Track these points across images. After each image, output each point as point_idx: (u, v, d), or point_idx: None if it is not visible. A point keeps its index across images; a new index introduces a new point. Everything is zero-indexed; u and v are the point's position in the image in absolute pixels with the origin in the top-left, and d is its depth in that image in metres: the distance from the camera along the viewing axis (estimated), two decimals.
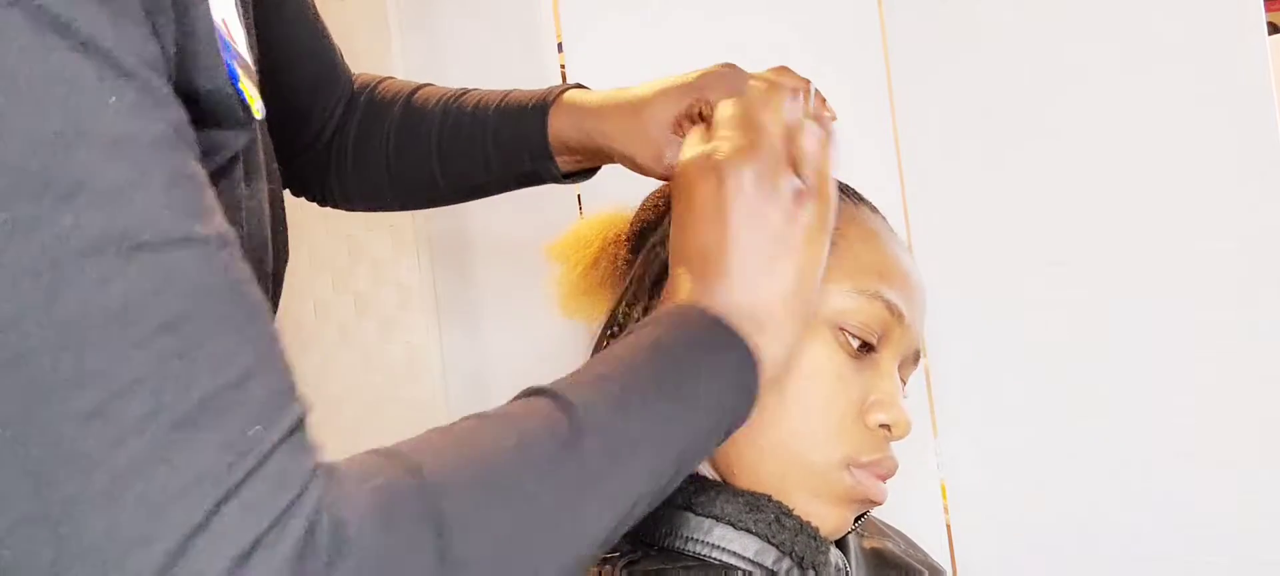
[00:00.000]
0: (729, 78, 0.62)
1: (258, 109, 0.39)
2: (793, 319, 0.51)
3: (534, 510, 0.38)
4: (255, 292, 0.33)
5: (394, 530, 0.33)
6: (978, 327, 1.13)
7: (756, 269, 0.50)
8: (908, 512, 0.87)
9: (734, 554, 0.56)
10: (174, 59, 0.34)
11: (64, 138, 0.28)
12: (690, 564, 0.56)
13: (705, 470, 0.60)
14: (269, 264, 0.50)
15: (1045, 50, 1.04)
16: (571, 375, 0.44)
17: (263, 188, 0.49)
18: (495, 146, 0.69)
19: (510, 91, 0.70)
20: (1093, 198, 1.02)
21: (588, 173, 0.71)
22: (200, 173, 0.33)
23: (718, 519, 0.57)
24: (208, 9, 0.36)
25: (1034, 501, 1.09)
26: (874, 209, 0.64)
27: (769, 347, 0.50)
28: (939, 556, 0.93)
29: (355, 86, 0.76)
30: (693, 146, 0.54)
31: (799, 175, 0.52)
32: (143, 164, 0.30)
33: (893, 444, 0.60)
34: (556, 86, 0.69)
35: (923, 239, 1.17)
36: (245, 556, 0.29)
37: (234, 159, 0.42)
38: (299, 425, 0.33)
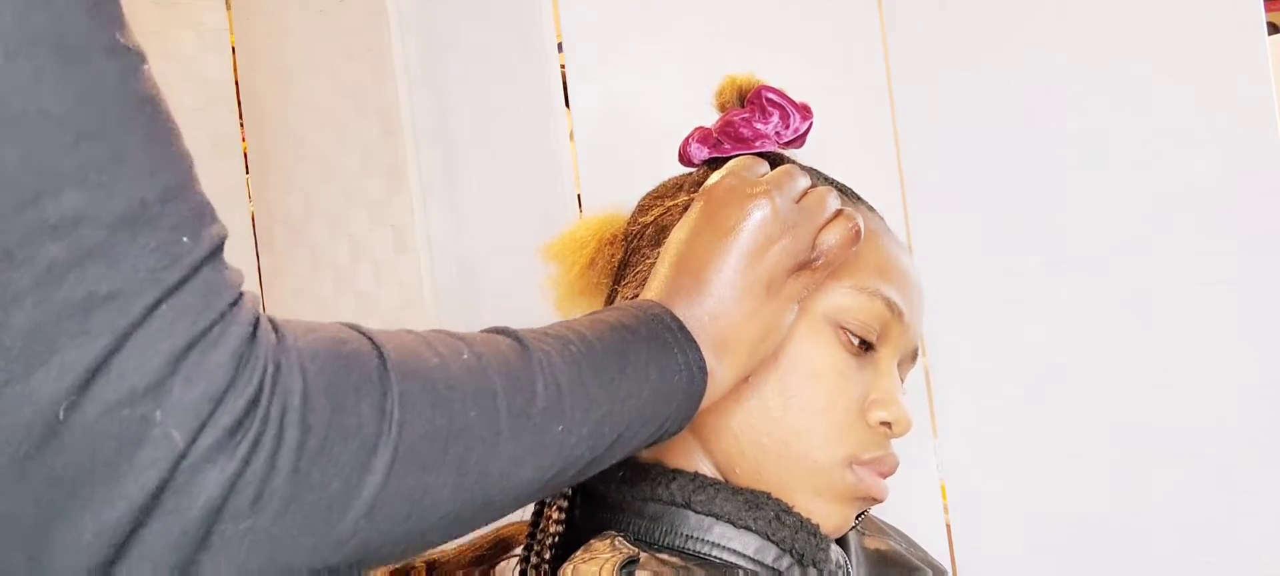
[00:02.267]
0: None
1: None
2: (747, 360, 0.53)
3: (474, 425, 0.39)
4: (170, 113, 0.33)
5: (342, 376, 0.34)
6: (978, 327, 1.13)
7: (740, 303, 0.52)
8: (908, 512, 0.87)
9: (734, 552, 0.56)
10: None
11: None
12: (690, 562, 0.56)
13: (705, 468, 0.60)
14: None
15: (1045, 51, 1.04)
16: (537, 329, 0.46)
17: None
18: None
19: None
20: (1092, 198, 1.02)
21: None
22: None
23: (717, 517, 0.57)
24: None
25: (1034, 501, 1.09)
26: (871, 208, 0.64)
27: (719, 373, 0.51)
28: (939, 556, 0.93)
29: None
30: (740, 170, 0.56)
31: (814, 251, 0.54)
32: None
33: (892, 442, 0.60)
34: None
35: (923, 239, 1.17)
36: (181, 354, 0.30)
37: None
38: (221, 246, 0.33)
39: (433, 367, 0.38)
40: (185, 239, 0.31)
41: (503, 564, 0.65)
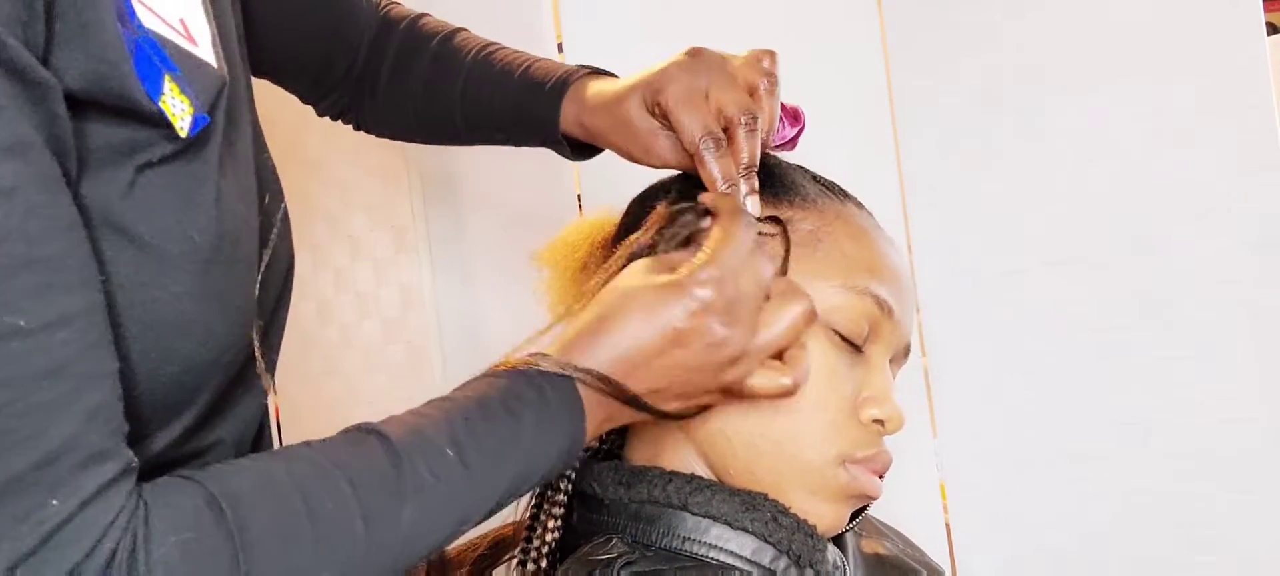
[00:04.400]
0: (682, 76, 0.61)
1: (181, 127, 0.41)
2: (625, 421, 0.54)
3: (342, 566, 0.42)
4: (93, 357, 0.37)
5: None
6: (978, 327, 1.13)
7: (656, 380, 0.52)
8: (907, 513, 0.87)
9: (731, 553, 0.56)
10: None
11: None
12: (687, 564, 0.56)
13: (700, 470, 0.60)
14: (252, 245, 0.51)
15: (1044, 50, 1.04)
16: (413, 428, 0.47)
17: (244, 182, 0.50)
18: (513, 117, 0.72)
19: (535, 61, 0.72)
20: (1092, 198, 1.02)
21: (598, 150, 0.72)
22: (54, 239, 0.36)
23: (714, 518, 0.57)
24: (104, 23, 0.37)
25: (1033, 501, 1.09)
26: (860, 205, 0.64)
27: (594, 416, 0.51)
28: (938, 556, 0.93)
29: (388, 17, 0.78)
30: (659, 268, 0.54)
31: (762, 334, 0.53)
32: None
33: (887, 439, 0.60)
34: (573, 71, 0.70)
35: (923, 239, 1.17)
36: None
37: (189, 150, 0.42)
38: (102, 488, 0.36)
39: (291, 532, 0.41)
40: (54, 502, 0.35)
41: (501, 567, 0.65)
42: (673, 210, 0.59)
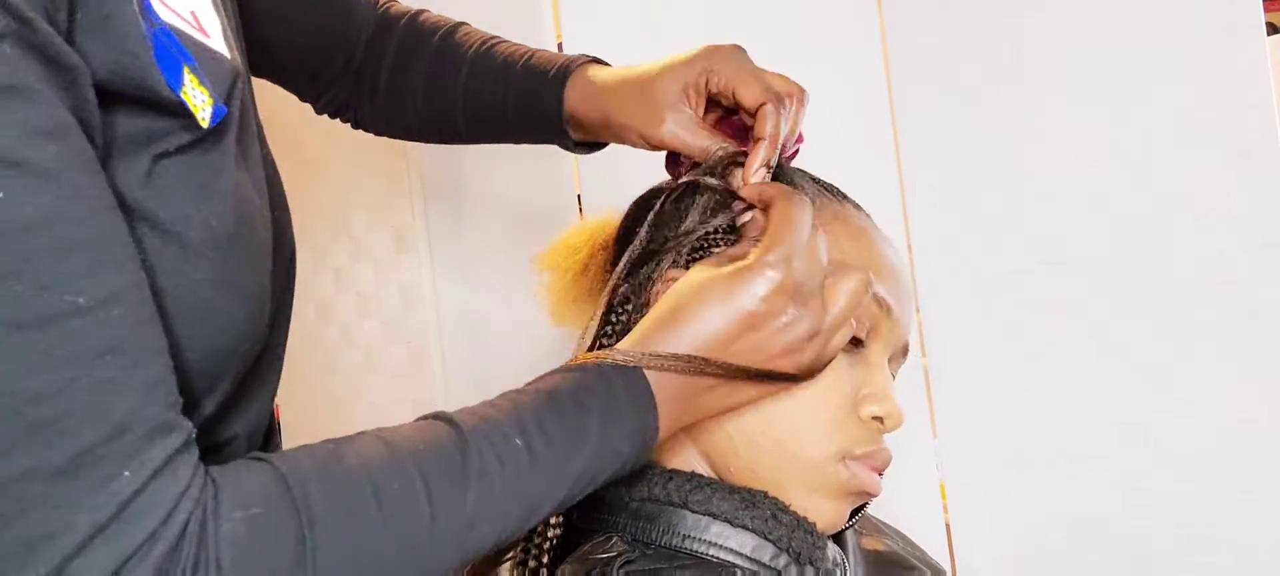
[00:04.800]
0: (733, 56, 0.64)
1: (203, 117, 0.41)
2: (700, 415, 0.55)
3: (408, 547, 0.43)
4: (146, 333, 0.37)
5: (263, 561, 0.38)
6: (978, 327, 1.13)
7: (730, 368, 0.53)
8: (907, 512, 0.87)
9: (731, 550, 0.56)
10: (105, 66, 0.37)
11: None
12: (687, 562, 0.56)
13: (700, 468, 0.60)
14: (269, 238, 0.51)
15: (1044, 51, 1.04)
16: (484, 417, 0.48)
17: (258, 171, 0.50)
18: (515, 109, 0.72)
19: (535, 52, 0.73)
20: (1092, 198, 1.02)
21: (602, 145, 0.73)
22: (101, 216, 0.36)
23: (714, 516, 0.57)
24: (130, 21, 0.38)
25: (1033, 501, 1.10)
26: (858, 206, 0.65)
27: (665, 427, 0.52)
28: (938, 556, 0.93)
29: (387, 14, 0.78)
30: (733, 257, 0.55)
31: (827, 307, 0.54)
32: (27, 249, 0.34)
33: (886, 437, 0.61)
34: (576, 57, 0.71)
35: (923, 239, 1.17)
36: (115, 573, 0.35)
37: (206, 139, 0.43)
38: (169, 458, 0.37)
39: (357, 512, 0.41)
40: (126, 473, 0.36)
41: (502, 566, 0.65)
42: (715, 199, 0.60)
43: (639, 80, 0.66)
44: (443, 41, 0.75)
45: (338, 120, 0.84)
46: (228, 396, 0.48)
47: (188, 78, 0.41)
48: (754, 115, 0.61)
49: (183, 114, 0.40)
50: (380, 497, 0.42)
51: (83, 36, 0.37)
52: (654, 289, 0.59)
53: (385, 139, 0.85)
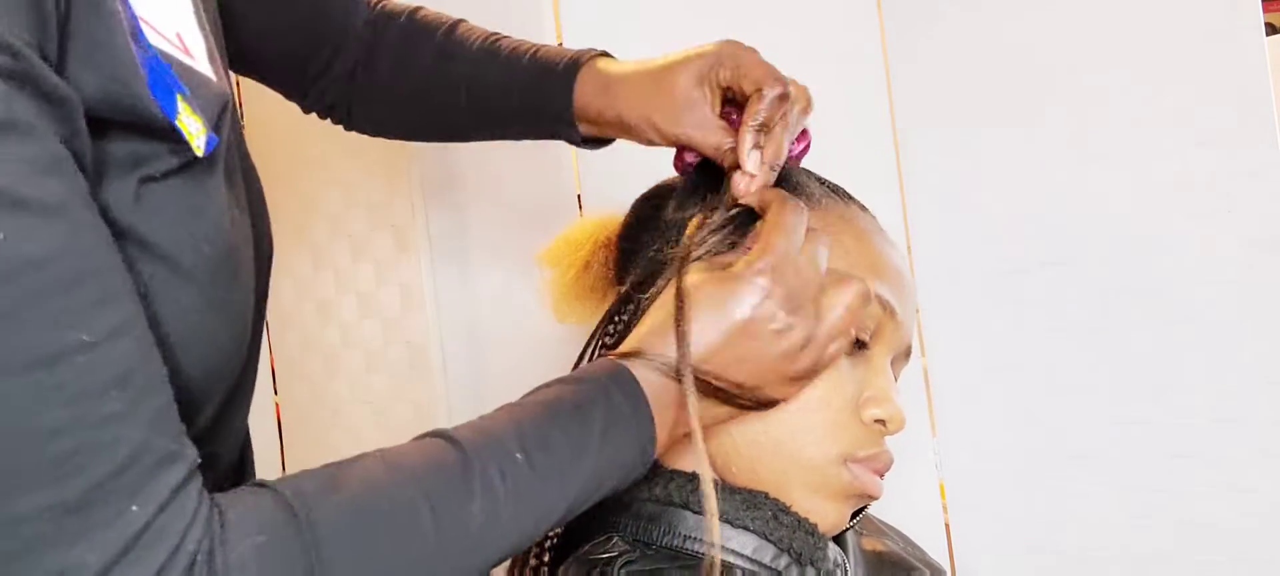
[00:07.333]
0: (749, 50, 0.64)
1: (198, 145, 0.41)
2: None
3: (415, 567, 0.43)
4: (150, 363, 0.37)
5: None
6: (977, 327, 1.13)
7: (730, 376, 0.53)
8: (907, 512, 0.87)
9: (732, 551, 0.56)
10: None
11: None
12: (688, 562, 0.56)
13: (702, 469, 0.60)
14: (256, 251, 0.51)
15: (1044, 51, 1.04)
16: (485, 431, 0.48)
17: (241, 185, 0.50)
18: (521, 101, 0.71)
19: (540, 47, 0.72)
20: (1091, 198, 1.02)
21: (608, 141, 0.72)
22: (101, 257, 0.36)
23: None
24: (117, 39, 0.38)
25: (1033, 501, 1.10)
26: (863, 207, 0.64)
27: (663, 427, 0.52)
28: (938, 556, 0.93)
29: (384, 11, 0.77)
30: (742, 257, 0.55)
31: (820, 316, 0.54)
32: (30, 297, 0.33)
33: (887, 439, 0.61)
34: (585, 51, 0.70)
35: (921, 239, 1.17)
36: None
37: (196, 164, 0.43)
38: (175, 490, 0.37)
39: (366, 530, 0.42)
40: (134, 508, 0.36)
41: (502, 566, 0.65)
42: (716, 216, 0.60)
43: (654, 73, 0.65)
44: (445, 37, 0.74)
45: (328, 120, 0.83)
46: (214, 418, 0.48)
47: (181, 106, 0.40)
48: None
49: (173, 138, 0.40)
50: (386, 520, 0.42)
51: (74, 64, 0.36)
52: (652, 294, 0.59)
53: (385, 139, 0.84)
